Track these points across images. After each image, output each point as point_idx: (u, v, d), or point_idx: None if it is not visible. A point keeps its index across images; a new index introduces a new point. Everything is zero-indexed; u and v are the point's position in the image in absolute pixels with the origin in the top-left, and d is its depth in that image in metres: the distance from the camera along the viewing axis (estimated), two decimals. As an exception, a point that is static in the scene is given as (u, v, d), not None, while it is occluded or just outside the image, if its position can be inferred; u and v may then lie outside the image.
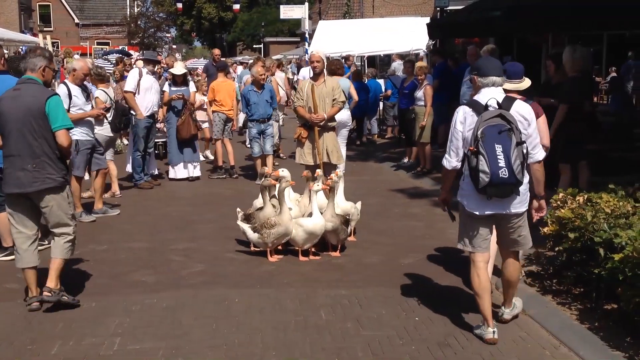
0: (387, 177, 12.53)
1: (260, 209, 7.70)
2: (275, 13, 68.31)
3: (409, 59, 14.45)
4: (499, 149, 4.80)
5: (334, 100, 9.10)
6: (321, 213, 7.27)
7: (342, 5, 37.93)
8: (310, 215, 7.35)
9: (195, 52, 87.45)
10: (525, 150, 4.91)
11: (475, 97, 5.12)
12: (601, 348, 4.99)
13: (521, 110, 5.04)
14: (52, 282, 5.85)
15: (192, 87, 12.04)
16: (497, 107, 4.93)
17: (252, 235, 7.28)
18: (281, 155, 14.27)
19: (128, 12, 54.12)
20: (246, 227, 7.39)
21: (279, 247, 7.48)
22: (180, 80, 11.69)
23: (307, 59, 15.72)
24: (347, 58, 19.26)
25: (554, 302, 5.95)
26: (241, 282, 6.62)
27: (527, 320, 5.64)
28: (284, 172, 7.78)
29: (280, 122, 13.67)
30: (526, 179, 5.04)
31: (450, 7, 20.79)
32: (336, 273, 6.92)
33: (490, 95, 5.02)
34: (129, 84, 11.18)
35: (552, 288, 6.29)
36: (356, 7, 36.71)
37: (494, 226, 5.29)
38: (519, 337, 5.32)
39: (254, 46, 61.73)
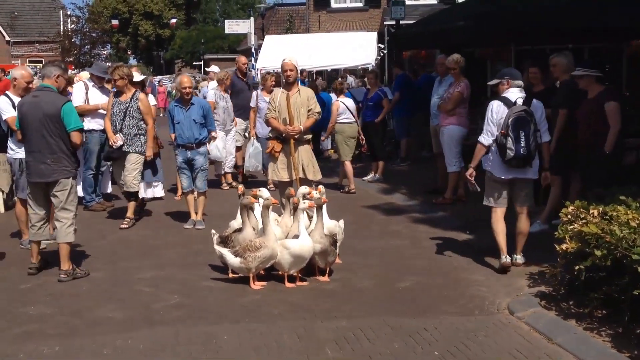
0: (355, 194, 11.85)
1: (239, 230, 6.92)
2: (215, 30, 67.51)
3: (371, 70, 13.86)
4: (522, 133, 6.74)
5: (309, 110, 8.41)
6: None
7: (284, 22, 37.47)
8: (295, 236, 6.62)
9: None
10: (539, 137, 6.89)
11: (505, 95, 6.98)
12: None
13: (536, 107, 6.99)
14: (64, 265, 7.00)
15: (151, 99, 11.02)
16: (522, 103, 6.85)
17: (233, 261, 6.48)
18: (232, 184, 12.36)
19: (62, 29, 52.27)
20: (225, 251, 6.59)
21: (261, 272, 6.71)
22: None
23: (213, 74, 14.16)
24: (301, 72, 18.57)
25: (580, 328, 5.37)
26: (226, 316, 5.81)
27: (559, 351, 5.03)
28: (262, 192, 7.04)
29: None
30: (537, 156, 6.94)
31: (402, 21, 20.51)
32: (330, 301, 6.19)
33: (517, 93, 6.96)
34: (77, 98, 10.19)
35: (572, 311, 5.71)
36: (298, 23, 36.27)
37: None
38: (556, 371, 4.71)
39: (194, 63, 60.54)
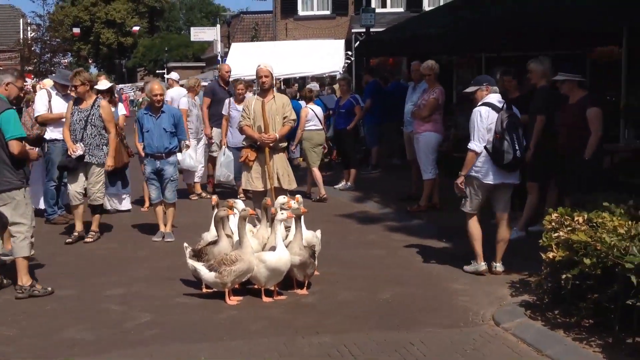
0: (327, 202, 11.63)
1: (213, 243, 6.65)
2: (179, 38, 66.90)
3: (343, 77, 13.68)
4: (515, 136, 6.78)
5: (284, 118, 8.19)
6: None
7: (250, 30, 37.18)
8: (272, 248, 6.37)
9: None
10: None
11: (488, 100, 6.94)
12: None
13: (515, 110, 7.03)
14: (21, 280, 6.65)
15: (120, 108, 10.62)
16: (506, 107, 6.89)
17: (208, 275, 6.20)
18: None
19: (21, 37, 51.20)
20: (199, 265, 6.31)
21: (236, 287, 6.43)
22: (106, 100, 9.87)
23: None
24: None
25: (568, 338, 5.21)
26: (202, 334, 5.53)
27: (547, 362, 4.86)
28: (237, 203, 6.79)
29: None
30: None
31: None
32: (311, 315, 5.95)
33: (497, 97, 7.01)
34: (39, 107, 9.82)
35: (559, 321, 5.56)
36: (263, 32, 36.01)
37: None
38: (550, 385, 4.53)
39: (157, 71, 59.87)
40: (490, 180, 6.89)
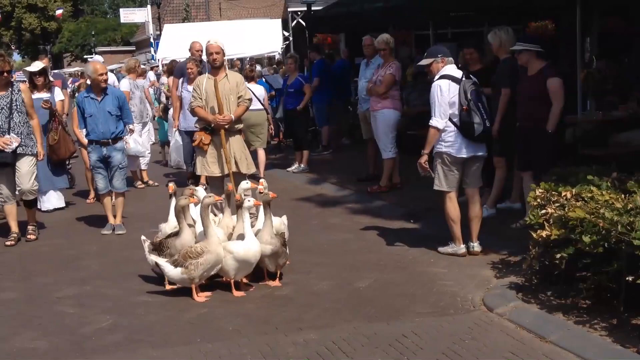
0: (281, 185, 11.06)
1: (174, 235, 6.08)
2: (105, 22, 64.69)
3: (290, 55, 13.13)
4: (480, 106, 6.52)
5: (239, 97, 7.64)
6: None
7: (181, 11, 36.07)
8: (240, 237, 5.86)
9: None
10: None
11: (446, 72, 6.62)
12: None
13: (474, 79, 6.70)
14: None
15: (58, 93, 9.70)
16: (465, 78, 6.59)
17: (173, 272, 5.64)
18: None
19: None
20: (162, 261, 5.74)
21: (203, 281, 5.89)
22: (40, 83, 9.16)
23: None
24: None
25: (570, 322, 4.89)
26: (173, 337, 4.98)
27: (556, 350, 4.52)
28: (199, 191, 6.25)
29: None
30: None
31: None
32: (289, 309, 5.46)
33: (455, 70, 6.69)
34: None
35: (554, 303, 5.24)
36: (194, 13, 34.98)
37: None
38: (562, 375, 4.19)
39: (85, 56, 57.73)
40: (462, 154, 6.59)
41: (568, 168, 6.26)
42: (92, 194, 9.97)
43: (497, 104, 7.62)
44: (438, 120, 6.52)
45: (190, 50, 11.09)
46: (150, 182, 11.26)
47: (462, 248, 6.74)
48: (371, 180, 10.35)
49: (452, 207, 6.72)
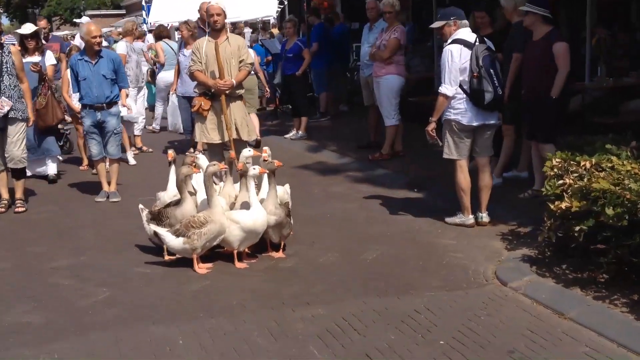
0: (280, 153, 10.70)
1: (175, 204, 5.83)
2: (95, -16, 63.46)
3: (290, 19, 12.74)
4: (493, 72, 6.18)
5: (240, 61, 7.33)
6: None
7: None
8: (244, 206, 5.62)
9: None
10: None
11: (458, 37, 6.29)
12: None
13: (489, 43, 6.38)
14: None
15: (49, 57, 9.29)
16: (479, 42, 6.24)
17: (175, 242, 5.39)
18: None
19: None
20: (163, 231, 5.49)
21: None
22: (32, 47, 8.76)
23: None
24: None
25: (588, 297, 4.69)
26: (175, 312, 4.75)
27: (576, 328, 4.31)
28: (201, 159, 5.99)
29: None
30: None
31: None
32: (294, 283, 5.24)
33: (468, 33, 6.34)
34: None
35: (569, 277, 5.05)
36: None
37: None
38: (585, 354, 3.99)
39: (74, 20, 56.73)
40: (472, 122, 6.32)
41: (583, 137, 6.03)
42: (85, 161, 9.68)
43: (508, 70, 7.36)
44: (447, 87, 6.25)
45: (199, 11, 10.57)
46: (144, 148, 10.97)
47: (470, 219, 6.53)
48: (372, 148, 10.11)
49: (462, 177, 6.48)
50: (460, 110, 6.31)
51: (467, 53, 6.19)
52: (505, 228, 6.39)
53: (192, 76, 7.38)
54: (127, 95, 8.45)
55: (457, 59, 6.20)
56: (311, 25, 13.82)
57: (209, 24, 7.51)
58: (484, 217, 6.55)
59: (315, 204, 7.63)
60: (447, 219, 6.67)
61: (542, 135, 6.87)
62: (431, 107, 6.64)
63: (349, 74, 15.75)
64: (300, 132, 11.78)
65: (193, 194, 5.91)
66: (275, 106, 14.69)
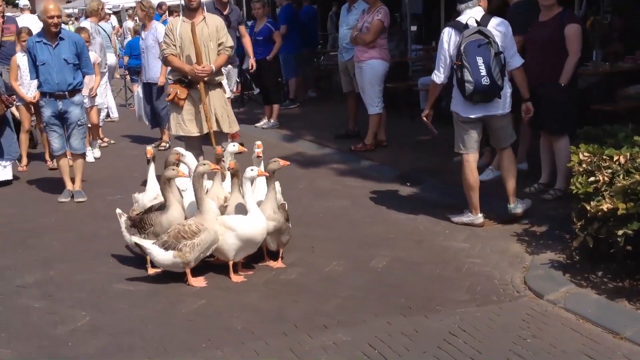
0: (252, 143, 10.11)
1: (156, 209, 5.11)
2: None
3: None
4: (479, 60, 5.56)
5: (219, 44, 6.61)
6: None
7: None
8: (239, 209, 4.95)
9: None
10: (503, 60, 5.63)
11: (458, 19, 5.88)
12: None
13: (497, 25, 5.74)
14: None
15: None
16: (475, 25, 5.65)
17: (164, 257, 4.68)
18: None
19: None
20: (148, 244, 4.75)
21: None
22: None
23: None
24: (159, 5, 16.18)
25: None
26: (170, 340, 4.03)
27: (638, 350, 3.80)
28: (187, 157, 5.30)
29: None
30: (507, 84, 5.78)
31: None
32: (300, 299, 4.58)
33: (470, 15, 5.75)
34: None
35: (609, 286, 4.54)
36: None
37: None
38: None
39: (16, 1, 54.39)
40: (468, 113, 5.85)
41: (608, 127, 5.50)
42: (24, 160, 8.74)
43: None
44: (436, 74, 5.91)
45: None
46: (106, 139, 10.12)
47: (479, 217, 6.03)
48: (351, 137, 9.52)
49: (469, 172, 5.99)
50: (456, 102, 5.91)
51: (456, 38, 5.75)
52: (518, 228, 5.89)
53: (166, 61, 6.65)
54: (97, 84, 7.63)
55: (446, 44, 5.80)
56: (278, 5, 13.09)
57: (185, 3, 6.76)
58: (517, 208, 6.00)
59: (305, 201, 7.00)
60: (454, 218, 6.12)
61: (553, 126, 6.35)
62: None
63: (316, 58, 15.11)
64: (272, 121, 11.11)
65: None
66: (241, 92, 13.92)
